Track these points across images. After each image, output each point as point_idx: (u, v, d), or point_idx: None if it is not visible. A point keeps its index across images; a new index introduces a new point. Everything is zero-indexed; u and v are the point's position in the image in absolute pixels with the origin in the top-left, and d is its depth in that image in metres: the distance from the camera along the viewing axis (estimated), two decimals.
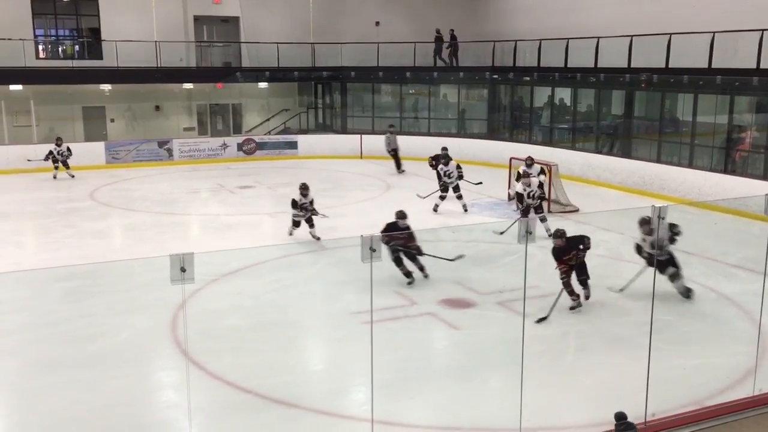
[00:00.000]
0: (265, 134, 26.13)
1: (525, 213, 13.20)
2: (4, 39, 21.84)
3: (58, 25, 25.21)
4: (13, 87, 22.53)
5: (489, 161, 21.41)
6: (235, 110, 27.47)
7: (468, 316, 9.50)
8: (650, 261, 9.30)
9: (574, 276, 9.31)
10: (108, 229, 15.10)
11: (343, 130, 26.30)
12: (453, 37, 25.78)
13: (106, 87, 24.34)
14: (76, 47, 25.37)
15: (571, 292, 9.31)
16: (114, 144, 23.21)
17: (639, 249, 9.71)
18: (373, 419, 5.98)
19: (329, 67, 25.97)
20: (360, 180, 20.73)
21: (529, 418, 6.27)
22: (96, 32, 24.68)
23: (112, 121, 25.28)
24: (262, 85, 26.44)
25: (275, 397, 7.04)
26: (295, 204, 12.80)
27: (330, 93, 27.77)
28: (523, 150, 19.53)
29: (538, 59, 22.64)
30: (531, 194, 13.21)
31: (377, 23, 27.29)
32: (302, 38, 25.88)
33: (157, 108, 25.94)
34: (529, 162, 15.22)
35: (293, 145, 25.10)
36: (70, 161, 20.36)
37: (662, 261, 9.23)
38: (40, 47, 24.53)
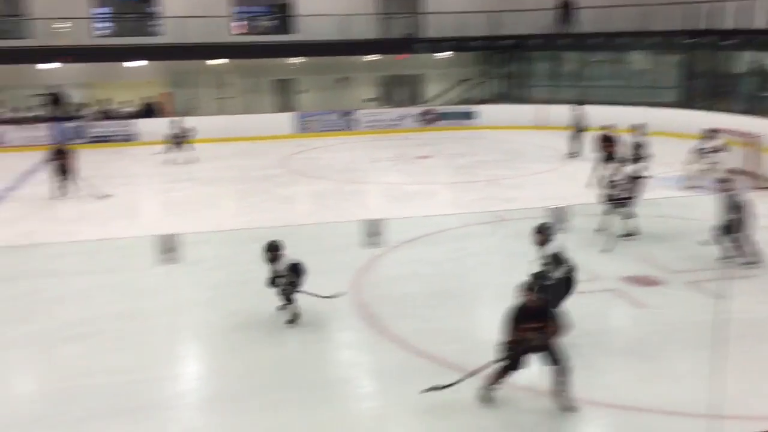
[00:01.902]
0: (445, 104, 26.24)
1: (610, 201, 11.29)
2: (206, 17, 23.54)
3: (253, 2, 26.83)
4: (217, 61, 24.28)
5: (681, 132, 20.02)
6: (416, 81, 27.81)
7: (653, 294, 9.04)
8: None
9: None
10: (296, 195, 16.01)
11: (524, 100, 25.77)
12: (569, 4, 24.70)
13: (297, 60, 25.58)
14: (272, 23, 26.88)
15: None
16: (303, 114, 24.43)
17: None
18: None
19: (511, 36, 25.47)
20: (540, 151, 20.24)
21: (726, 404, 5.85)
22: (284, 8, 25.93)
23: (302, 92, 26.56)
24: (443, 55, 26.50)
25: (452, 362, 7.15)
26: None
27: (511, 62, 27.25)
28: (721, 120, 18.08)
29: (741, 20, 20.72)
30: (614, 183, 11.30)
31: None
32: (485, 6, 25.54)
33: (344, 79, 26.88)
34: (710, 135, 14.61)
35: (473, 115, 25.02)
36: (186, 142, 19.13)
37: None
38: (237, 24, 26.24)
